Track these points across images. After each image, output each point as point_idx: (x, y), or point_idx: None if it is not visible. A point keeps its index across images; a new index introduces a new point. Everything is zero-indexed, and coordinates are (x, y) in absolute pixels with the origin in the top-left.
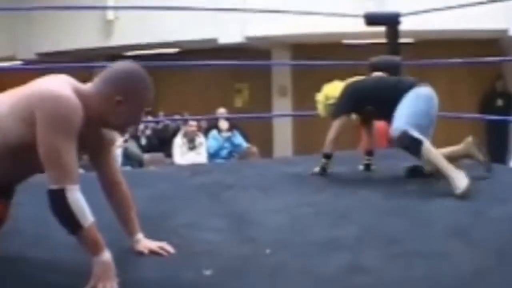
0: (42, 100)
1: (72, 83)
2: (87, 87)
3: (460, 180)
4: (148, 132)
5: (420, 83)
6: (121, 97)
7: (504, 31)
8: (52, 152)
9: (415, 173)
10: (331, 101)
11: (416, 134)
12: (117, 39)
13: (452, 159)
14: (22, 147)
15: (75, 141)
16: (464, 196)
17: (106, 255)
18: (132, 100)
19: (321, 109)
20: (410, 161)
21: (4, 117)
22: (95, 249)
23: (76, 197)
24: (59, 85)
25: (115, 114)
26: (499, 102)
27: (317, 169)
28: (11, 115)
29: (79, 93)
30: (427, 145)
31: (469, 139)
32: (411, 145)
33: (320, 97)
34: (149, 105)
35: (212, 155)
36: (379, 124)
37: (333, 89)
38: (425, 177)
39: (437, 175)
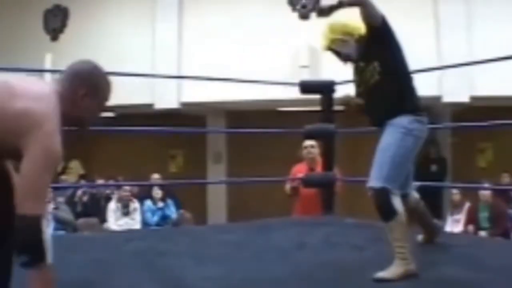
0: (43, 136)
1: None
2: (57, 87)
3: (399, 269)
4: (85, 198)
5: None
6: (85, 90)
7: (437, 98)
8: (38, 184)
9: None
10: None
11: (396, 201)
12: None
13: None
14: None
15: None
16: (378, 280)
17: None
18: (95, 93)
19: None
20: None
21: None
22: None
23: (46, 230)
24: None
25: (79, 108)
26: (433, 168)
27: None
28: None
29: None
30: (401, 218)
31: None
32: (383, 209)
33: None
34: (108, 100)
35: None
36: (310, 192)
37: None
38: None
39: None
